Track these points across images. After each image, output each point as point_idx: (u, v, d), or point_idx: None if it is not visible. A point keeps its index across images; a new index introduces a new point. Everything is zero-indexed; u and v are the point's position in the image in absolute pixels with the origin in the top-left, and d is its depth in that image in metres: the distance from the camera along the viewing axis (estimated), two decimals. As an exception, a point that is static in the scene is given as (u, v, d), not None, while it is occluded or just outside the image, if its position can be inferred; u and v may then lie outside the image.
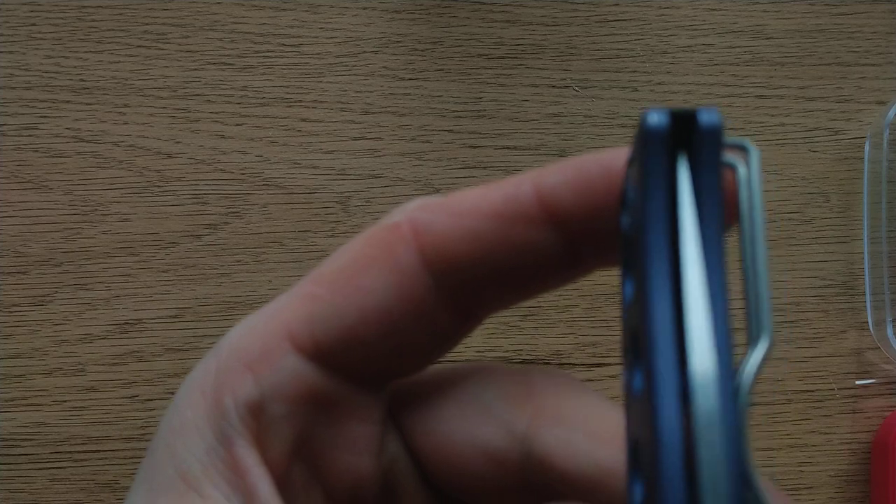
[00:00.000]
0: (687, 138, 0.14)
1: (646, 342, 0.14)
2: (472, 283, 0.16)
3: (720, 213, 0.14)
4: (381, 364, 0.17)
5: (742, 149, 0.15)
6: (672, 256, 0.14)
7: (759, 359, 0.14)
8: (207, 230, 0.40)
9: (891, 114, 0.42)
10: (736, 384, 0.13)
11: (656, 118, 0.14)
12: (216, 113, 0.41)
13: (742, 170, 0.15)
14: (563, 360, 0.41)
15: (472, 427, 0.17)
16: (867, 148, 0.43)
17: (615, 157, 0.15)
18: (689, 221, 0.14)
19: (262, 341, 0.16)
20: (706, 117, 0.14)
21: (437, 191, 0.41)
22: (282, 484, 0.16)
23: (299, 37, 0.41)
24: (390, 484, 0.17)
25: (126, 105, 0.40)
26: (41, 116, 0.40)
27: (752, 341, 0.14)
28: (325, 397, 0.16)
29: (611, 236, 0.16)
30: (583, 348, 0.41)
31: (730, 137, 0.14)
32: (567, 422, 0.16)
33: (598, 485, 0.16)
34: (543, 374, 0.17)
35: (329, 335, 0.16)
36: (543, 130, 0.42)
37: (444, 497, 0.18)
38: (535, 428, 0.16)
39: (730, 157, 0.15)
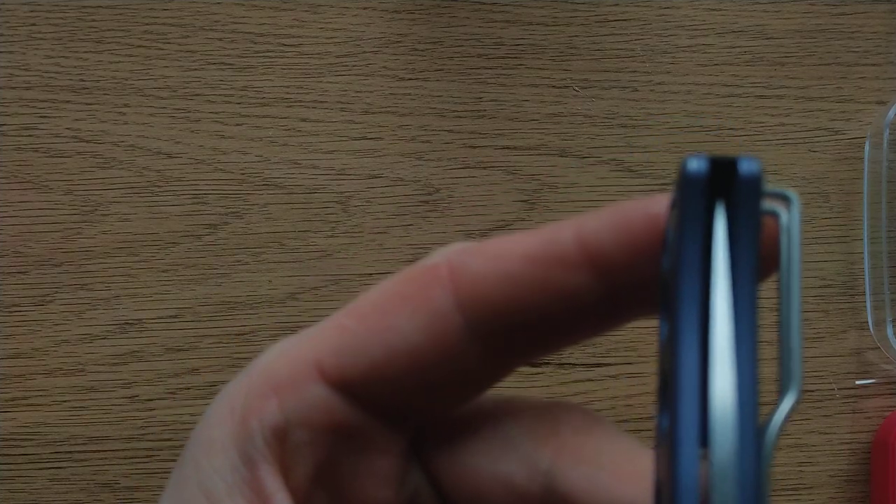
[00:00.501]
0: (726, 185, 0.14)
1: (672, 387, 0.14)
2: (507, 328, 0.16)
3: (755, 261, 0.14)
4: (407, 402, 0.17)
5: (784, 198, 0.15)
6: (703, 304, 0.14)
7: (786, 410, 0.14)
8: (207, 230, 0.40)
9: (891, 114, 0.42)
10: (759, 434, 0.13)
11: (696, 164, 0.14)
12: (216, 113, 0.41)
13: (784, 218, 0.15)
14: (563, 360, 0.41)
15: (496, 462, 0.17)
16: (867, 148, 0.43)
17: (657, 203, 0.15)
18: (722, 269, 0.14)
19: (290, 367, 0.16)
20: (746, 166, 0.14)
21: (437, 190, 0.41)
22: None
23: (299, 37, 0.41)
24: None
25: (126, 105, 0.40)
26: (41, 116, 0.40)
27: (781, 392, 0.14)
28: (350, 427, 0.16)
29: (651, 285, 0.15)
30: (582, 348, 0.41)
31: (771, 186, 0.14)
32: (591, 460, 0.16)
33: None
34: (569, 411, 0.17)
35: (355, 369, 0.16)
36: (543, 130, 0.42)
37: None
38: (558, 465, 0.16)
39: (771, 205, 0.15)
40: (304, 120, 0.41)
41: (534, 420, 0.17)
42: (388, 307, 0.16)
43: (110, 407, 0.40)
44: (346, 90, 0.41)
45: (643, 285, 0.16)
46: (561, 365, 0.41)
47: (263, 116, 0.41)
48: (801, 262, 0.14)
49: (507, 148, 0.42)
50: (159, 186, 0.40)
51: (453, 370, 0.16)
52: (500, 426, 0.17)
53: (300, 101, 0.41)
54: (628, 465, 0.16)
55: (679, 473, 0.13)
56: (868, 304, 0.42)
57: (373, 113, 0.41)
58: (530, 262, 0.16)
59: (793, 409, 0.14)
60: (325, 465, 0.16)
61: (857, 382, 0.42)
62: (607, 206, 0.16)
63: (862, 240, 0.43)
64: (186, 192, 0.40)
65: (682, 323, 0.14)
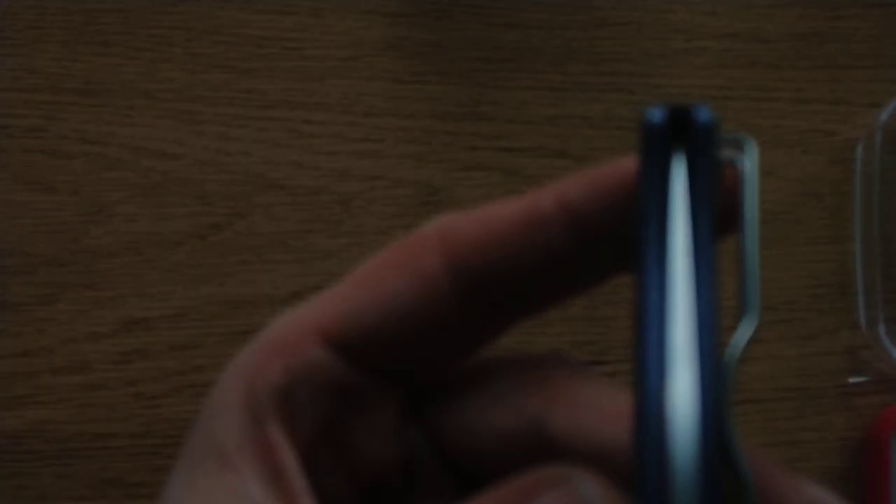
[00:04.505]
0: (684, 134, 0.15)
1: (636, 326, 0.14)
2: (496, 289, 0.17)
3: (712, 204, 0.15)
4: (404, 361, 0.18)
5: (740, 143, 0.16)
6: (663, 244, 0.15)
7: (745, 336, 0.15)
8: (212, 230, 0.41)
9: (883, 116, 0.42)
10: (718, 361, 0.14)
11: (655, 114, 0.15)
12: (220, 115, 0.41)
13: (740, 163, 0.15)
14: (562, 359, 0.42)
15: (487, 413, 0.18)
16: (860, 150, 0.43)
17: (630, 160, 0.16)
18: (681, 211, 0.15)
19: (294, 332, 0.17)
20: (700, 114, 0.15)
21: (438, 192, 0.42)
22: (309, 464, 0.17)
23: (302, 40, 0.42)
24: (412, 467, 0.18)
25: (131, 107, 0.41)
26: (48, 118, 0.41)
27: (740, 318, 0.15)
28: (349, 387, 0.17)
29: (628, 238, 0.16)
30: (580, 346, 0.42)
31: (727, 134, 0.15)
32: (574, 404, 0.17)
33: (604, 461, 0.16)
34: (555, 361, 0.18)
35: (354, 331, 0.17)
36: (542, 132, 0.42)
37: (463, 476, 0.19)
38: (545, 410, 0.17)
39: (729, 152, 0.15)
40: (306, 122, 0.42)
41: (521, 371, 0.18)
42: (382, 273, 0.17)
43: (116, 404, 0.40)
44: (347, 93, 0.42)
45: (622, 241, 0.16)
46: (559, 363, 0.42)
47: (267, 119, 0.41)
48: (759, 200, 0.15)
49: (507, 150, 0.42)
50: (164, 187, 0.41)
51: (445, 330, 0.17)
52: (491, 380, 0.18)
53: (303, 104, 0.42)
54: (609, 406, 0.17)
55: (644, 406, 0.14)
56: (861, 303, 0.43)
57: (374, 115, 0.42)
58: (514, 225, 0.17)
59: (752, 335, 0.15)
60: (329, 423, 0.17)
61: (850, 380, 0.43)
62: (585, 168, 0.17)
63: (854, 240, 0.43)
64: (191, 193, 0.41)
65: (645, 264, 0.15)
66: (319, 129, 0.42)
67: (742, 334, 0.15)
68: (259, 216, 0.41)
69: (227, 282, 0.41)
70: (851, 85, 0.44)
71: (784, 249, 0.43)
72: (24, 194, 0.40)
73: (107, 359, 0.40)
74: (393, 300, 0.17)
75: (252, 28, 0.42)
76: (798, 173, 0.43)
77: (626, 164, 0.16)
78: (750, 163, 0.15)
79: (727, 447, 0.14)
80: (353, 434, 0.18)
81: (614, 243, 0.17)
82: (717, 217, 0.15)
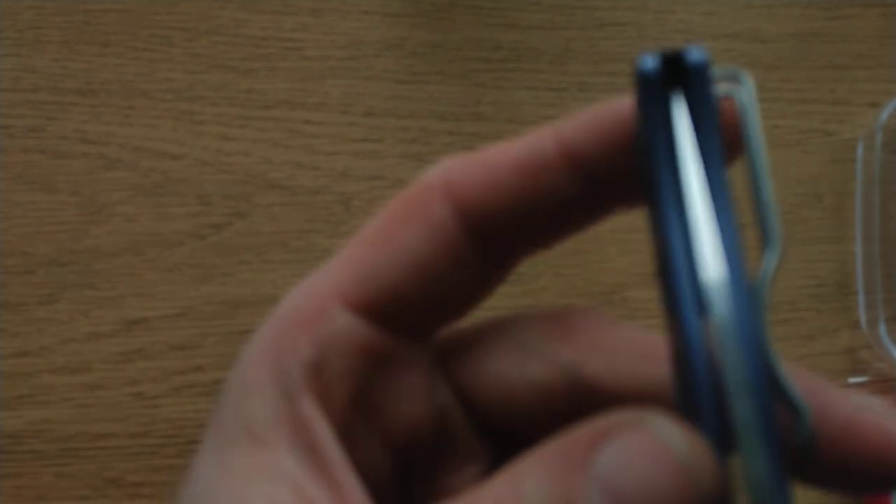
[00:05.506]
0: (680, 76, 0.15)
1: (665, 266, 0.15)
2: (503, 230, 0.17)
3: (717, 138, 0.15)
4: (425, 314, 0.18)
5: (736, 77, 0.16)
6: (677, 183, 0.15)
7: (773, 261, 0.15)
8: (212, 230, 0.41)
9: (883, 116, 0.42)
10: (750, 286, 0.14)
11: (648, 62, 0.15)
12: (220, 115, 0.41)
13: (738, 96, 0.16)
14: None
15: (518, 365, 0.18)
16: (860, 149, 0.43)
17: (625, 101, 0.17)
18: (690, 150, 0.15)
19: (315, 302, 0.17)
20: (693, 55, 0.15)
21: (438, 192, 0.42)
22: (343, 434, 0.17)
23: (302, 40, 0.42)
24: (443, 428, 0.18)
25: (131, 107, 0.41)
26: (48, 118, 0.41)
27: (764, 247, 0.15)
28: (377, 350, 0.17)
29: (627, 175, 0.17)
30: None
31: (720, 69, 0.16)
32: (609, 349, 0.17)
33: (646, 399, 0.16)
34: (579, 312, 0.18)
35: (375, 291, 0.17)
36: (542, 132, 0.42)
37: (496, 438, 0.19)
38: (578, 358, 0.17)
39: (725, 87, 0.16)
40: (306, 122, 0.42)
41: (548, 323, 0.18)
42: (393, 229, 0.17)
43: (116, 404, 0.40)
44: (347, 93, 0.42)
45: (620, 178, 0.17)
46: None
47: (267, 119, 0.41)
48: (761, 131, 0.16)
49: (506, 150, 0.42)
50: (164, 187, 0.41)
51: (459, 276, 0.17)
52: (518, 333, 0.18)
53: (303, 104, 0.42)
54: (643, 348, 0.17)
55: (687, 342, 0.14)
56: (861, 303, 0.43)
57: (374, 115, 0.42)
58: (518, 170, 0.17)
59: (778, 263, 0.15)
60: (360, 389, 0.17)
61: (850, 380, 0.43)
62: (582, 110, 0.17)
63: (855, 239, 0.43)
64: (191, 193, 0.41)
65: (663, 205, 0.15)
66: (319, 129, 0.42)
67: (769, 260, 0.15)
68: (259, 216, 0.41)
69: (227, 282, 0.41)
70: (851, 85, 0.44)
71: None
72: (24, 194, 0.40)
73: (107, 359, 0.40)
74: (407, 254, 0.17)
75: (252, 28, 0.42)
76: (798, 173, 0.43)
77: (622, 104, 0.17)
78: (747, 94, 0.16)
79: (772, 370, 0.14)
80: (383, 398, 0.18)
81: (614, 180, 0.17)
82: (724, 150, 0.15)
